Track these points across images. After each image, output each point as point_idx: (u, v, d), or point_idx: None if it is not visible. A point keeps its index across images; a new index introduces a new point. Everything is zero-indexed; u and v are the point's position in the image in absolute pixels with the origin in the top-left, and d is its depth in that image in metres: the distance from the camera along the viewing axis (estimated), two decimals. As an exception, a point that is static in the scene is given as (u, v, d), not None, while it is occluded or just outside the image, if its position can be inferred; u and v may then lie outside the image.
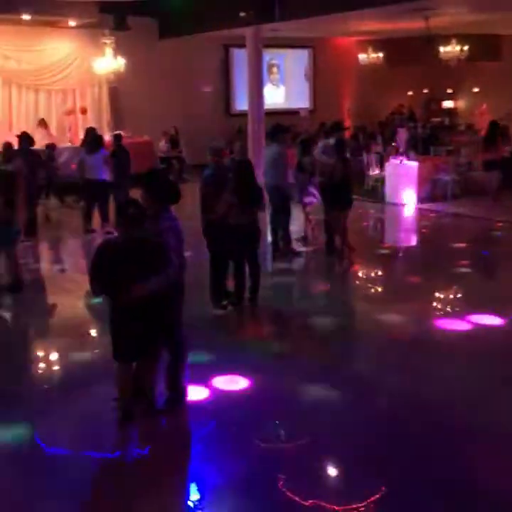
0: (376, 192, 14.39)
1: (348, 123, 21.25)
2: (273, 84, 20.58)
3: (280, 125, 10.44)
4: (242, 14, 14.57)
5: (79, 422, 5.11)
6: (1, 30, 15.82)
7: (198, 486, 4.36)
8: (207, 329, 6.93)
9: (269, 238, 9.93)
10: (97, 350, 6.48)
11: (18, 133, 12.58)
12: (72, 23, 16.48)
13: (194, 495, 4.27)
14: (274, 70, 20.65)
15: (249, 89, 16.09)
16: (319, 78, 21.23)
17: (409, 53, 19.89)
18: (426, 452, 4.61)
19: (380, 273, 9.32)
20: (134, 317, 4.74)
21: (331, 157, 9.67)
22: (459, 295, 8.22)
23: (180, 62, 17.91)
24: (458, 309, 7.52)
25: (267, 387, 5.61)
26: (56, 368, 6.42)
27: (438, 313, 7.48)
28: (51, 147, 14.02)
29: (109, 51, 16.28)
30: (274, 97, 20.50)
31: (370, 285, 8.87)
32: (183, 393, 5.23)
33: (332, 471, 4.54)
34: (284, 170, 9.54)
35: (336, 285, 8.86)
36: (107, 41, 16.31)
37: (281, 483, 4.23)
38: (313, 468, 4.44)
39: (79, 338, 6.93)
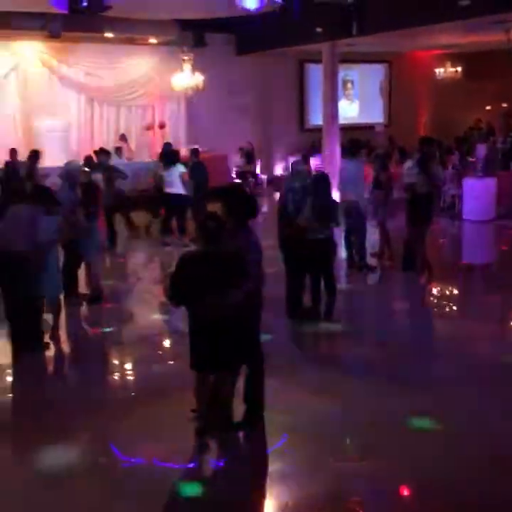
0: (453, 208, 14.09)
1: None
2: (347, 99, 20.51)
3: (358, 140, 10.39)
4: (318, 30, 14.60)
5: (156, 432, 5.17)
6: (84, 48, 16.38)
7: (272, 501, 4.36)
8: (284, 343, 6.94)
9: (344, 253, 9.89)
10: (172, 362, 6.58)
11: (99, 148, 13.04)
12: (152, 40, 16.91)
13: (269, 510, 4.27)
14: (349, 85, 20.58)
15: (324, 104, 16.09)
16: (395, 93, 21.03)
17: (488, 67, 19.48)
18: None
19: (457, 291, 9.11)
20: (212, 329, 4.78)
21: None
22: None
23: (256, 77, 18.09)
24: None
25: (345, 405, 5.55)
26: (134, 377, 6.53)
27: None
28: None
29: (187, 67, 16.60)
30: (349, 111, 20.43)
31: (447, 303, 8.68)
32: (260, 406, 5.23)
33: (406, 496, 4.44)
34: (362, 186, 9.51)
35: (414, 302, 8.70)
36: (186, 58, 16.65)
37: (354, 502, 4.18)
38: (386, 491, 4.36)
39: (157, 349, 7.05)
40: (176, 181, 11.52)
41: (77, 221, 7.95)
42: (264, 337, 5.37)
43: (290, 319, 7.54)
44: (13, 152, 13.11)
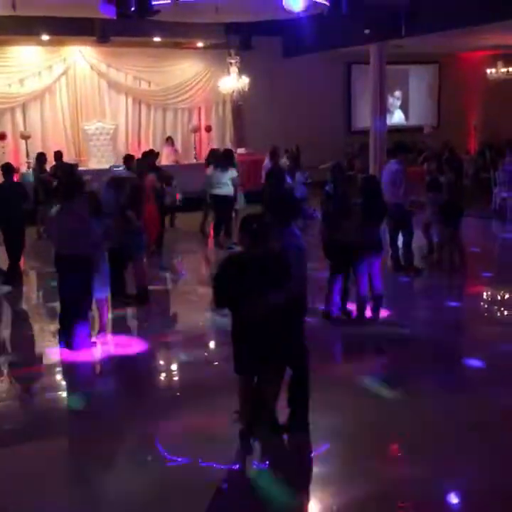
0: (504, 211, 13.79)
1: (473, 140, 20.65)
2: (396, 100, 20.29)
3: (401, 143, 10.32)
4: (366, 31, 14.48)
5: (201, 432, 5.17)
6: (132, 52, 16.60)
7: (316, 504, 4.31)
8: (329, 346, 6.89)
9: (390, 255, 9.77)
10: (217, 363, 6.57)
11: (145, 150, 13.16)
12: (199, 44, 17.03)
13: (314, 514, 4.23)
14: (396, 93, 20.32)
15: (372, 106, 15.94)
16: (444, 94, 20.71)
17: (542, 67, 19.00)
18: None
19: (507, 296, 8.90)
20: (255, 331, 4.75)
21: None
22: None
23: (303, 79, 18.02)
24: None
25: (390, 407, 5.46)
26: (180, 378, 6.56)
27: None
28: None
29: (234, 70, 16.66)
30: (396, 113, 20.21)
31: (497, 307, 8.48)
32: (304, 410, 5.17)
33: (456, 503, 4.34)
34: (405, 187, 9.40)
35: (463, 304, 8.53)
36: (232, 61, 16.72)
37: (402, 509, 4.10)
38: (431, 495, 4.28)
39: (202, 350, 7.06)
40: (225, 183, 11.56)
41: (131, 222, 8.07)
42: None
43: (327, 320, 7.46)
44: (58, 155, 13.23)
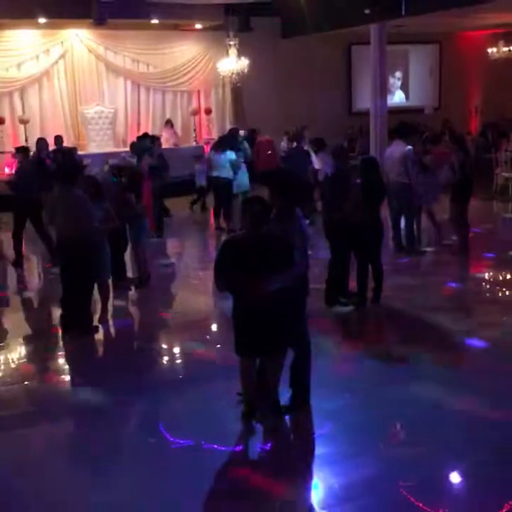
0: (506, 192, 13.73)
1: (475, 120, 20.52)
2: (397, 81, 20.15)
3: (406, 123, 10.25)
4: (367, 11, 14.32)
5: (203, 414, 5.18)
6: (130, 35, 16.45)
7: (318, 484, 4.32)
8: (330, 328, 6.88)
9: (392, 237, 9.74)
10: (219, 345, 6.58)
11: (144, 133, 13.10)
12: (198, 25, 16.88)
13: (316, 494, 4.23)
14: (397, 73, 20.17)
15: (372, 86, 15.82)
16: (445, 74, 20.54)
17: (544, 46, 18.82)
18: None
19: (509, 276, 8.88)
20: (257, 313, 4.73)
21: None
22: None
23: (303, 60, 17.89)
24: None
25: (394, 390, 5.47)
26: (181, 361, 6.56)
27: None
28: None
29: (233, 52, 16.53)
30: (397, 94, 20.08)
31: (499, 288, 8.47)
32: (306, 391, 5.17)
33: (459, 482, 4.35)
34: (412, 169, 9.35)
35: (464, 286, 8.51)
36: (231, 42, 16.58)
37: (405, 488, 4.11)
38: (433, 476, 4.29)
39: (204, 333, 7.07)
40: (223, 166, 11.48)
41: (131, 206, 8.06)
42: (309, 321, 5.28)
43: (329, 305, 7.44)
44: (58, 139, 13.14)
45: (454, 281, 8.71)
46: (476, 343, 6.57)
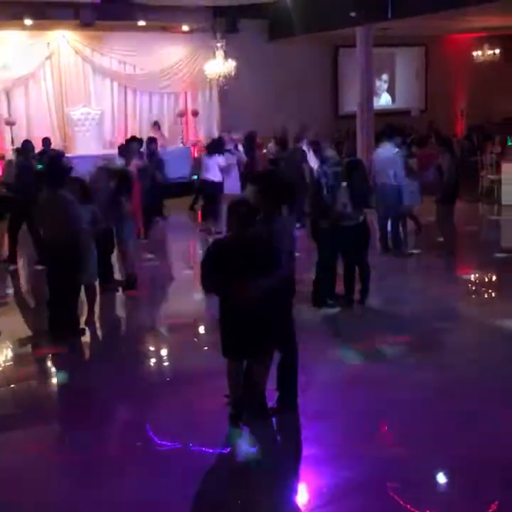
0: (491, 194, 13.82)
1: (460, 123, 20.65)
2: (383, 83, 20.24)
3: (392, 126, 10.31)
4: (352, 14, 14.38)
5: (190, 416, 5.18)
6: (117, 36, 16.40)
7: (306, 487, 4.33)
8: (317, 330, 6.90)
9: (379, 239, 9.79)
10: (207, 347, 6.57)
11: (132, 136, 13.07)
12: (185, 27, 16.87)
13: (303, 496, 4.24)
14: (383, 76, 20.26)
15: (359, 89, 15.87)
16: (431, 77, 20.66)
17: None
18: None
19: (495, 278, 8.94)
20: (243, 315, 4.74)
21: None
22: None
23: (290, 63, 17.91)
24: None
25: (378, 392, 5.49)
26: (169, 363, 6.56)
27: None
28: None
29: (220, 54, 16.52)
30: (383, 97, 20.17)
31: (484, 289, 8.53)
32: (293, 393, 5.19)
33: (445, 482, 4.38)
34: (400, 171, 9.41)
35: (449, 289, 8.55)
36: (218, 44, 16.57)
37: (392, 489, 4.13)
38: (420, 478, 4.31)
39: (191, 335, 7.06)
40: (212, 168, 11.58)
41: (122, 207, 8.06)
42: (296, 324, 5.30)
43: (316, 308, 7.46)
44: (46, 141, 13.08)
45: (441, 282, 8.75)
46: (467, 342, 6.62)
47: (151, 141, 12.45)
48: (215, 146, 12.05)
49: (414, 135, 15.90)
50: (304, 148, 12.01)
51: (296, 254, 5.17)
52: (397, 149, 9.54)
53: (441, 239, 9.81)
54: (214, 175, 11.66)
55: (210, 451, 4.68)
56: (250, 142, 12.84)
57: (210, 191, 11.81)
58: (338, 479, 4.31)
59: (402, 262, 9.58)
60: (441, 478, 4.39)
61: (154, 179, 11.40)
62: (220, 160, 11.68)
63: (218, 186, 11.70)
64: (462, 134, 19.71)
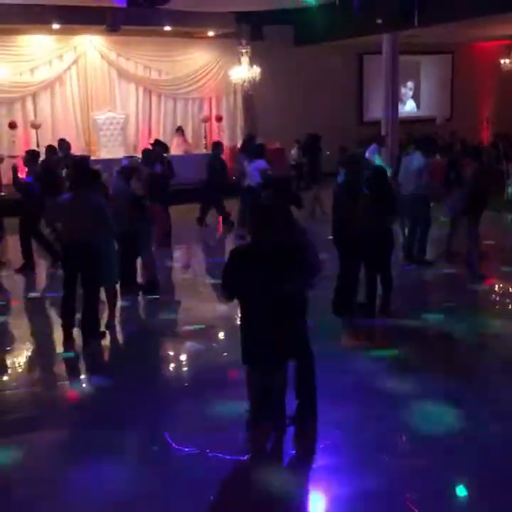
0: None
1: (486, 131, 20.46)
2: (408, 91, 20.15)
3: (432, 139, 10.41)
4: (379, 21, 14.33)
5: (209, 423, 5.15)
6: (142, 41, 16.52)
7: (324, 496, 4.28)
8: (337, 338, 6.86)
9: (402, 246, 9.71)
10: (226, 354, 6.54)
11: (156, 139, 13.11)
12: (210, 33, 16.93)
13: (321, 506, 4.20)
14: (409, 83, 20.18)
15: (384, 96, 15.81)
16: (457, 85, 20.52)
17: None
18: None
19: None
20: (264, 321, 4.71)
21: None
22: None
23: (315, 69, 17.90)
24: None
25: (401, 401, 5.43)
26: (188, 369, 6.54)
27: None
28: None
29: (245, 60, 16.57)
30: (408, 103, 20.08)
31: (509, 301, 8.42)
32: (312, 402, 5.14)
33: (464, 495, 4.30)
34: (429, 180, 9.38)
35: (471, 299, 8.44)
36: (244, 50, 16.62)
37: (410, 500, 4.07)
38: (440, 489, 4.25)
39: (211, 341, 7.04)
40: (255, 174, 11.55)
41: (146, 211, 8.09)
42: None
43: (337, 315, 7.40)
44: (62, 143, 12.62)
45: (461, 292, 8.63)
46: (488, 355, 6.52)
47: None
48: (257, 151, 12.04)
49: (440, 144, 15.75)
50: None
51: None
52: (427, 159, 9.48)
53: (464, 250, 9.68)
54: (257, 180, 11.62)
55: (228, 457, 4.64)
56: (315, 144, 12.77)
57: (254, 196, 11.67)
58: (356, 489, 4.26)
59: (423, 271, 9.47)
60: (461, 490, 4.32)
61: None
62: (261, 164, 11.67)
63: (251, 191, 11.60)
64: (488, 142, 19.53)
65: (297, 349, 4.97)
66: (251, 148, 12.38)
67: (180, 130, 16.63)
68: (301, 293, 4.85)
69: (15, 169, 9.94)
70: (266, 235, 4.64)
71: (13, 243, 10.63)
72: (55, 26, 14.75)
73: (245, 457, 4.72)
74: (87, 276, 6.79)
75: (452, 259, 9.73)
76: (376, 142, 13.31)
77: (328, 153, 13.84)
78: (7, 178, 13.51)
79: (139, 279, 8.75)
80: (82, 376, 6.36)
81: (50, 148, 11.98)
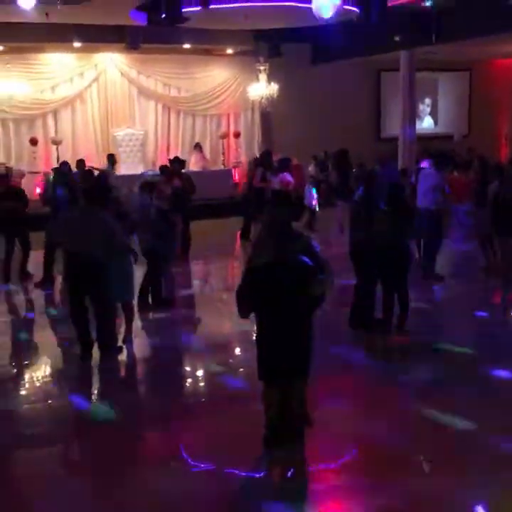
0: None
1: (505, 148, 20.38)
2: (426, 107, 20.16)
3: (448, 156, 10.42)
4: (396, 38, 14.40)
5: (224, 438, 5.14)
6: (162, 59, 16.72)
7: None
8: (354, 353, 6.84)
9: (419, 262, 9.69)
10: (242, 369, 6.55)
11: (173, 157, 13.21)
12: (229, 51, 17.10)
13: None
14: (426, 100, 20.19)
15: (401, 113, 15.84)
16: (475, 101, 20.50)
17: None
18: None
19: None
20: (281, 338, 4.71)
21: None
22: None
23: (332, 86, 17.98)
24: None
25: (415, 418, 5.39)
26: (203, 384, 6.54)
27: None
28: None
29: (262, 77, 16.70)
30: (426, 120, 20.07)
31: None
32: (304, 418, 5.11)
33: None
34: (445, 196, 9.39)
35: (493, 315, 8.38)
36: (261, 68, 16.77)
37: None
38: (464, 508, 4.20)
39: (227, 356, 7.05)
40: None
41: (173, 226, 8.21)
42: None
43: (353, 329, 7.39)
44: (80, 163, 12.77)
45: (477, 310, 8.55)
46: (504, 373, 6.46)
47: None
48: (282, 165, 12.25)
49: (458, 159, 15.73)
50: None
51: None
52: (442, 174, 9.51)
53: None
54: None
55: (244, 474, 4.64)
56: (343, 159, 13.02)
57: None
58: (373, 508, 4.23)
59: (438, 286, 9.43)
60: (480, 509, 4.27)
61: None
62: (286, 178, 11.82)
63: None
64: (506, 160, 19.45)
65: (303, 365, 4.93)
66: (279, 162, 12.58)
67: (198, 146, 16.75)
68: (317, 303, 4.86)
69: (49, 181, 10.02)
70: (278, 251, 4.68)
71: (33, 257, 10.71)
72: (76, 44, 14.98)
73: (261, 474, 4.71)
74: (94, 295, 6.75)
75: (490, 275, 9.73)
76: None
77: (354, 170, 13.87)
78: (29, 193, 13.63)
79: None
80: (100, 390, 6.38)
81: (80, 163, 12.22)
